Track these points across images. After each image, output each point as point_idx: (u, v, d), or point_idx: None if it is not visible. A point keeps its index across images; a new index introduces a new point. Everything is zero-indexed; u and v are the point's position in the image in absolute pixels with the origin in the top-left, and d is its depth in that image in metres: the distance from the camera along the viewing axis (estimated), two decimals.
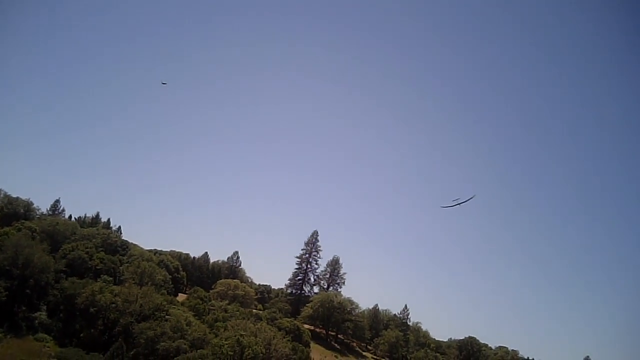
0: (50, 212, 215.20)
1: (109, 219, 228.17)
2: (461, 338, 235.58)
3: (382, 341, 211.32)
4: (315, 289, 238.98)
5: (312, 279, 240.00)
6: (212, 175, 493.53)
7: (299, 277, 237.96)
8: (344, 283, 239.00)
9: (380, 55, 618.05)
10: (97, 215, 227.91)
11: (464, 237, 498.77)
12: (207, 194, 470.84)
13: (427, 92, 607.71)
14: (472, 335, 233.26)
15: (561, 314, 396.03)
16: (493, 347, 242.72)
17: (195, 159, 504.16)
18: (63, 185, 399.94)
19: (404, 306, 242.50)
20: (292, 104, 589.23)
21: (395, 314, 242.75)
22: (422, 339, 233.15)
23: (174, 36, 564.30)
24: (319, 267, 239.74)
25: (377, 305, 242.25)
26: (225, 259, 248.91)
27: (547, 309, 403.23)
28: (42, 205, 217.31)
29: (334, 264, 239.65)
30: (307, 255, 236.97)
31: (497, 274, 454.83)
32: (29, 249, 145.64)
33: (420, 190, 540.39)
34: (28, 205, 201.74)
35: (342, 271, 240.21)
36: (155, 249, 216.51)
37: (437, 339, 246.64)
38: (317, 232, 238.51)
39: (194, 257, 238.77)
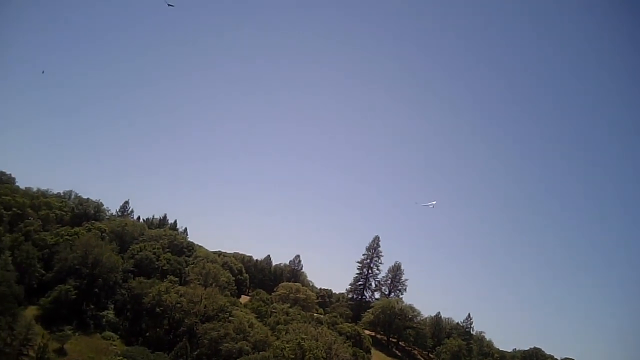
0: (119, 213, 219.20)
1: (175, 221, 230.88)
2: (526, 349, 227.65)
3: (444, 350, 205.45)
4: (377, 295, 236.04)
5: (373, 285, 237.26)
6: (276, 180, 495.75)
7: (360, 282, 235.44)
8: (405, 289, 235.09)
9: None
10: (165, 216, 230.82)
11: (530, 244, 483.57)
12: (270, 198, 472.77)
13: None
14: (538, 347, 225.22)
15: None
16: (559, 359, 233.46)
17: (259, 164, 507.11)
18: (132, 187, 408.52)
19: (467, 314, 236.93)
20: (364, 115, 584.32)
21: (458, 322, 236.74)
22: (485, 349, 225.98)
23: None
24: (380, 272, 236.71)
25: (439, 313, 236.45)
26: (287, 262, 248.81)
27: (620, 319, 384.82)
28: (112, 206, 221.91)
29: (395, 270, 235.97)
30: (368, 260, 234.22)
31: (567, 282, 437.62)
32: (98, 248, 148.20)
33: (483, 194, 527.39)
34: (98, 206, 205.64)
35: (403, 277, 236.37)
36: (219, 251, 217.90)
37: (501, 349, 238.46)
38: (379, 238, 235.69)
39: (256, 260, 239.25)
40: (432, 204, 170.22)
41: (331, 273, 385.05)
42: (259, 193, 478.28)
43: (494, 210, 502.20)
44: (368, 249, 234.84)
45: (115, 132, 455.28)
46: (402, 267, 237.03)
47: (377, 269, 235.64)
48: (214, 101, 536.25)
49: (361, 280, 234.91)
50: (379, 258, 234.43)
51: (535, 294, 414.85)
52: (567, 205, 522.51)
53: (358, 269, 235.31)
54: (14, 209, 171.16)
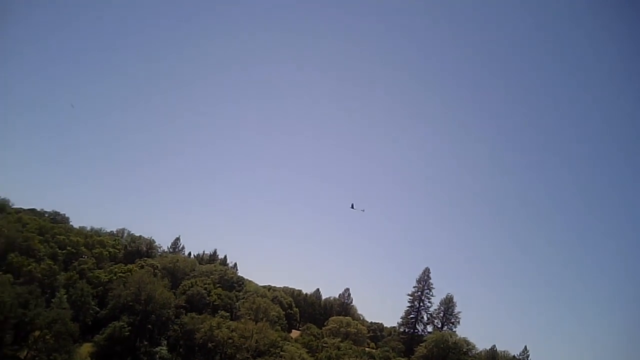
0: (171, 250, 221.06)
1: (225, 256, 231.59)
2: None
3: None
4: (429, 328, 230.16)
5: (425, 318, 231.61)
6: (324, 213, 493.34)
7: (411, 316, 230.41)
8: (458, 322, 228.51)
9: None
10: (215, 252, 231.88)
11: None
12: (319, 231, 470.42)
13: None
14: None
15: None
16: None
17: (307, 199, 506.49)
18: (183, 223, 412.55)
19: (523, 347, 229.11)
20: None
21: (514, 356, 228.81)
22: None
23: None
24: (432, 305, 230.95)
25: (494, 346, 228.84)
26: (337, 296, 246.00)
27: None
28: (164, 243, 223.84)
29: (448, 302, 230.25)
30: (419, 293, 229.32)
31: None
32: (151, 285, 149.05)
33: (531, 225, 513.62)
34: (150, 243, 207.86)
35: (456, 310, 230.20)
36: (269, 285, 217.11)
37: None
38: (429, 269, 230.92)
39: (306, 294, 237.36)
40: (361, 210, 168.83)
41: (382, 306, 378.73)
42: (308, 226, 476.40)
43: (552, 240, 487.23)
44: (419, 281, 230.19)
45: (166, 172, 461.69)
46: (455, 300, 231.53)
47: (429, 302, 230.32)
48: (255, 140, 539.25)
49: (413, 313, 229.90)
50: (430, 290, 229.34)
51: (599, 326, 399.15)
52: None
53: (409, 301, 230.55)
54: (69, 248, 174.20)
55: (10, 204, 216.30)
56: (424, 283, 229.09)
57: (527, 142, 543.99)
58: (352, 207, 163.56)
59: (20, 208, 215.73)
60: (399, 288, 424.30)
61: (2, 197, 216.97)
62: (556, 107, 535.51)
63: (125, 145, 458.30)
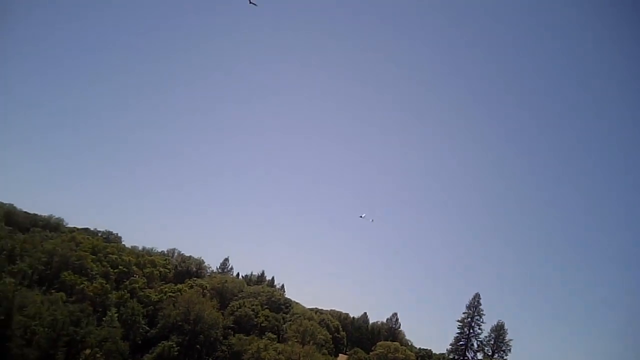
0: (220, 270, 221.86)
1: (273, 277, 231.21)
2: None
3: None
4: (479, 356, 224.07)
5: (476, 345, 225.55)
6: (372, 237, 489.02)
7: (461, 342, 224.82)
8: (509, 350, 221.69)
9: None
10: (262, 273, 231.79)
11: None
12: (367, 254, 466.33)
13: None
14: None
15: None
16: None
17: (352, 220, 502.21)
18: (232, 244, 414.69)
19: None
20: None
21: None
22: None
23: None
24: (482, 332, 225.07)
25: None
26: (385, 320, 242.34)
27: None
28: (213, 263, 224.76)
29: (499, 329, 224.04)
30: (469, 319, 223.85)
31: None
32: (200, 305, 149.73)
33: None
34: (200, 264, 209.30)
35: (507, 337, 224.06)
36: (316, 308, 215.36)
37: None
38: (479, 295, 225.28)
39: (353, 317, 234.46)
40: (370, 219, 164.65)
41: (430, 332, 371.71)
42: (355, 249, 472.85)
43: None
44: (468, 307, 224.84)
45: (216, 193, 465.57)
46: (506, 327, 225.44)
47: (479, 328, 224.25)
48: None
49: (462, 340, 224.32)
50: (481, 316, 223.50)
51: None
52: None
53: (459, 327, 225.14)
54: (120, 267, 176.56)
55: (65, 223, 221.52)
56: (474, 309, 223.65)
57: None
58: (362, 217, 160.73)
59: (74, 227, 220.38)
60: (448, 313, 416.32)
61: (57, 216, 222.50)
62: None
63: (174, 167, 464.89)
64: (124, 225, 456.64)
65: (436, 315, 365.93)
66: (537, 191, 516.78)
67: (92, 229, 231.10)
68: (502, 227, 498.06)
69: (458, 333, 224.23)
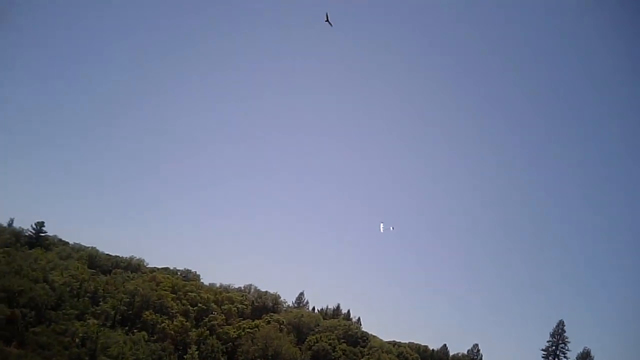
0: (295, 304, 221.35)
1: (348, 310, 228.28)
2: None
3: None
4: None
5: None
6: (445, 264, 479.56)
7: None
8: None
9: None
10: (338, 306, 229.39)
11: None
12: (441, 283, 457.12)
13: None
14: None
15: None
16: None
17: (429, 254, 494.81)
18: (307, 278, 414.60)
19: None
20: None
21: None
22: None
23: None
24: None
25: None
26: (465, 352, 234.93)
27: None
28: (288, 297, 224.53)
29: (585, 357, 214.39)
30: (554, 347, 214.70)
31: None
32: (278, 340, 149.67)
33: None
34: (276, 299, 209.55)
35: None
36: (393, 341, 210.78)
37: None
38: (563, 322, 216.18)
39: (432, 350, 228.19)
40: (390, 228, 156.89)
41: None
42: (430, 277, 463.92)
43: None
44: (552, 335, 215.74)
45: (287, 227, 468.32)
46: (592, 354, 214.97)
47: (565, 357, 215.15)
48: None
49: None
50: (566, 345, 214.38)
51: None
52: None
53: (543, 357, 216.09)
54: (200, 305, 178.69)
55: (145, 264, 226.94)
56: (558, 337, 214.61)
57: None
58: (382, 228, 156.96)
59: (155, 267, 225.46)
60: (531, 342, 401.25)
61: (137, 257, 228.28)
62: None
63: (246, 207, 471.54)
64: (202, 263, 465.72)
65: (518, 344, 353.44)
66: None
67: (171, 268, 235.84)
68: (587, 247, 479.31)
69: None
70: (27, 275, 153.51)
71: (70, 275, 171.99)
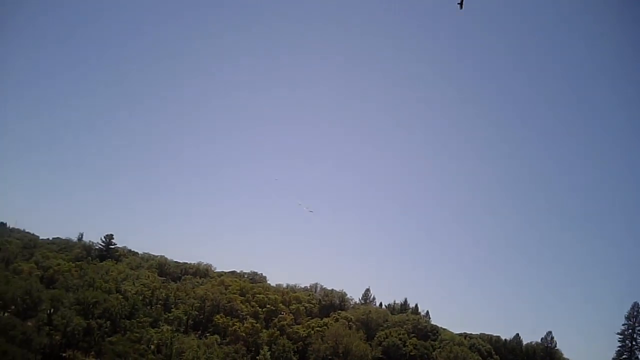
0: (362, 301, 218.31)
1: (416, 305, 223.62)
2: None
3: None
4: None
5: None
6: (515, 251, 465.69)
7: (624, 356, 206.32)
8: None
9: None
10: (405, 301, 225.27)
11: None
12: (509, 271, 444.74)
13: None
14: None
15: None
16: None
17: (494, 234, 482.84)
18: (372, 274, 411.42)
19: None
20: None
21: None
22: None
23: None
24: None
25: None
26: (539, 340, 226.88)
27: None
28: (355, 294, 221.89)
29: None
30: (631, 330, 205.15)
31: None
32: (348, 338, 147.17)
33: None
34: (342, 296, 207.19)
35: None
36: (464, 333, 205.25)
37: None
38: (638, 304, 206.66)
39: (505, 340, 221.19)
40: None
41: (588, 347, 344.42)
42: (499, 265, 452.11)
43: None
44: (628, 318, 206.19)
45: (350, 223, 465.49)
46: None
47: None
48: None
49: (625, 353, 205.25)
50: None
51: None
52: None
53: (619, 341, 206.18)
54: (268, 306, 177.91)
55: (213, 269, 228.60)
56: (634, 319, 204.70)
57: None
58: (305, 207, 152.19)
59: (222, 272, 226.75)
60: (605, 326, 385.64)
61: (205, 262, 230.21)
62: None
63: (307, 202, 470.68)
64: (267, 265, 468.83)
65: (591, 329, 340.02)
66: None
67: (238, 271, 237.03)
68: None
69: (620, 347, 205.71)
70: (100, 287, 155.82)
71: (141, 284, 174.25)
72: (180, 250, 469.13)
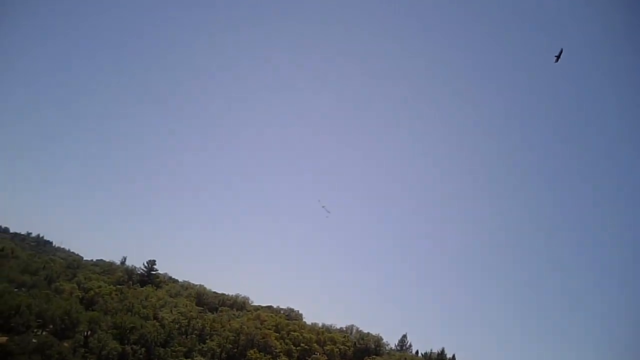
0: (398, 347, 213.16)
1: (454, 355, 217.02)
2: None
3: None
4: None
5: None
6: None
7: None
8: None
9: None
10: (442, 350, 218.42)
11: None
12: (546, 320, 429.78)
13: None
14: None
15: None
16: None
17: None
18: (409, 321, 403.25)
19: None
20: None
21: None
22: None
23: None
24: None
25: None
26: None
27: None
28: (391, 340, 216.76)
29: None
30: None
31: None
32: None
33: None
34: (378, 341, 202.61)
35: None
36: None
37: None
38: None
39: None
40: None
41: None
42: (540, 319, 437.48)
43: None
44: None
45: (390, 270, 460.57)
46: None
47: None
48: None
49: None
50: None
51: None
52: None
53: None
54: (302, 345, 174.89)
55: (250, 302, 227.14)
56: None
57: None
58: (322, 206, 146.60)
59: (259, 305, 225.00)
60: None
61: (243, 295, 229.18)
62: None
63: (347, 244, 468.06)
64: (303, 302, 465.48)
65: None
66: None
67: (274, 306, 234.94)
68: None
69: None
70: (139, 312, 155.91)
71: (179, 313, 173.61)
72: (220, 279, 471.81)
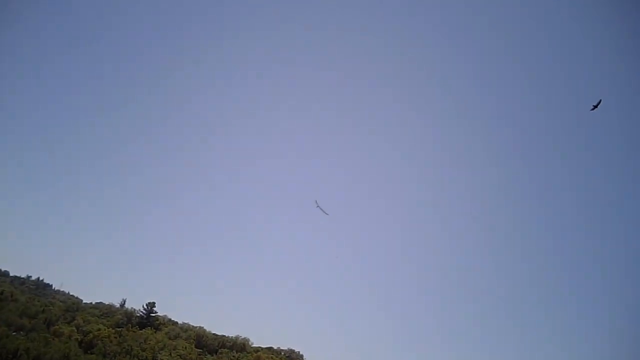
0: None
1: None
2: None
3: None
4: None
5: None
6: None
7: None
8: None
9: None
10: None
11: None
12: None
13: None
14: None
15: None
16: None
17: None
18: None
19: None
20: None
21: None
22: None
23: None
24: None
25: None
26: None
27: None
28: None
29: None
30: None
31: None
32: None
33: None
34: None
35: None
36: None
37: None
38: None
39: None
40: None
41: None
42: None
43: None
44: None
45: (392, 313, 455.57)
46: None
47: None
48: None
49: None
50: None
51: None
52: None
53: None
54: None
55: (250, 343, 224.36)
56: None
57: None
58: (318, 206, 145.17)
59: (259, 347, 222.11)
60: None
61: (243, 336, 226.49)
62: None
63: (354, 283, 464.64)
64: (305, 343, 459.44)
65: None
66: None
67: (275, 347, 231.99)
68: None
69: None
70: (137, 355, 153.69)
71: (178, 355, 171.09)
72: (219, 321, 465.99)
